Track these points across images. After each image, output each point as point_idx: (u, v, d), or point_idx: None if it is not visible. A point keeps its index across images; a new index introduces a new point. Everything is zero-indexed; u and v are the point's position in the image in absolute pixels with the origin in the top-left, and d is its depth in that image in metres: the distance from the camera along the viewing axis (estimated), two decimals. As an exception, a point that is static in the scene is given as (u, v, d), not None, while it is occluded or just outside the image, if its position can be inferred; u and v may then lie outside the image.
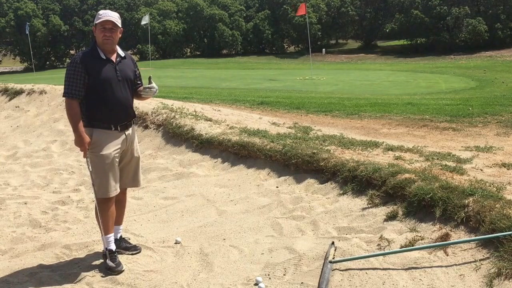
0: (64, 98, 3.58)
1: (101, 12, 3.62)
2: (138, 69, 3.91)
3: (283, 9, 56.94)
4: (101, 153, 3.58)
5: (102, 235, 3.72)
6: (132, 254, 3.89)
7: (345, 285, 3.23)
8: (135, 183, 3.97)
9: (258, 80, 26.42)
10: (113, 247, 3.69)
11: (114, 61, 3.65)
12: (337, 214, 4.24)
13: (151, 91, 3.76)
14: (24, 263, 3.82)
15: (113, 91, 3.61)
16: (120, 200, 3.91)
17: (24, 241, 4.26)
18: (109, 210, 3.70)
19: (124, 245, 3.94)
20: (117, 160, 3.69)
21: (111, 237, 3.71)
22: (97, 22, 3.58)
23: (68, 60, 66.34)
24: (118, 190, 3.73)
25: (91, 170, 3.63)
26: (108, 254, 3.65)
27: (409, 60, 45.66)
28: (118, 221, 3.94)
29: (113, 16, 3.58)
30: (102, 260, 3.74)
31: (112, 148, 3.63)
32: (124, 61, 3.73)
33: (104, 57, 3.60)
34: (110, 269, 3.59)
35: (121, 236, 3.97)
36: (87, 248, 4.02)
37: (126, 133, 3.73)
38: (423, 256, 3.37)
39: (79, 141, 3.54)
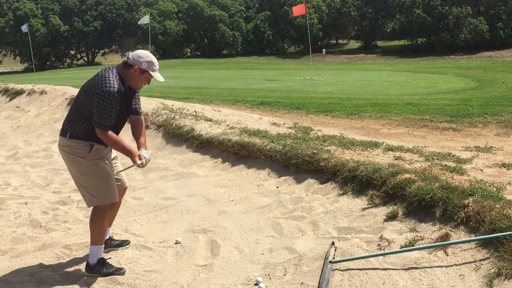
0: (64, 99, 3.60)
1: (155, 61, 3.55)
2: None
3: (284, 10, 56.95)
4: (104, 160, 3.59)
5: (93, 246, 3.62)
6: (126, 248, 3.99)
7: (345, 285, 3.23)
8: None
9: (258, 80, 26.42)
10: (102, 255, 3.67)
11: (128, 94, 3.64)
12: (337, 214, 4.24)
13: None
14: (24, 263, 3.82)
15: (121, 121, 3.63)
16: (119, 202, 3.95)
17: (24, 241, 4.26)
18: (108, 217, 3.71)
19: (115, 243, 4.00)
20: None
21: (102, 247, 3.70)
22: (148, 70, 3.51)
23: (68, 60, 66.38)
24: None
25: (90, 181, 3.55)
26: (102, 264, 3.60)
27: (409, 61, 45.66)
28: (110, 223, 3.99)
29: None
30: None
31: (108, 156, 3.67)
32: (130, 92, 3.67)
33: (127, 92, 3.57)
34: (112, 274, 3.58)
35: (110, 236, 4.02)
36: (88, 248, 4.01)
37: None
38: (423, 256, 3.37)
39: (134, 155, 3.53)
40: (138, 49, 3.73)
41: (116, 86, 3.41)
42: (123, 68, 3.53)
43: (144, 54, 3.54)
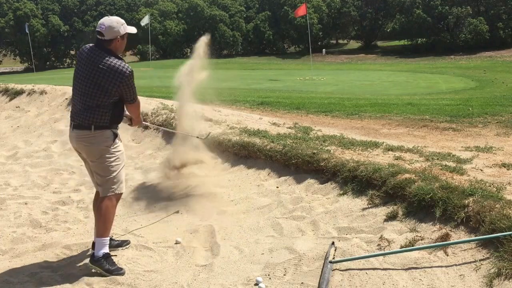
0: (64, 99, 3.66)
1: (121, 20, 3.66)
2: None
3: (284, 10, 56.98)
4: (122, 148, 3.79)
5: (99, 238, 3.66)
6: (126, 248, 4.00)
7: (345, 285, 3.23)
8: None
9: (258, 80, 26.42)
10: (108, 249, 3.69)
11: None
12: (337, 214, 4.24)
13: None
14: (24, 263, 3.82)
15: None
16: None
17: (24, 241, 4.26)
18: (116, 207, 3.79)
19: (115, 243, 4.01)
20: None
21: (108, 240, 3.73)
22: (126, 31, 3.66)
23: (68, 60, 66.45)
24: None
25: (111, 169, 3.67)
26: (106, 259, 3.62)
27: (409, 61, 45.67)
28: None
29: None
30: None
31: (122, 146, 3.88)
32: None
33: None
34: (111, 272, 3.59)
35: (110, 237, 4.01)
36: (88, 248, 4.03)
37: None
38: (423, 256, 3.37)
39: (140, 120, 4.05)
40: (138, 49, 3.84)
41: (125, 63, 3.58)
42: (105, 45, 3.59)
43: (114, 22, 3.59)
